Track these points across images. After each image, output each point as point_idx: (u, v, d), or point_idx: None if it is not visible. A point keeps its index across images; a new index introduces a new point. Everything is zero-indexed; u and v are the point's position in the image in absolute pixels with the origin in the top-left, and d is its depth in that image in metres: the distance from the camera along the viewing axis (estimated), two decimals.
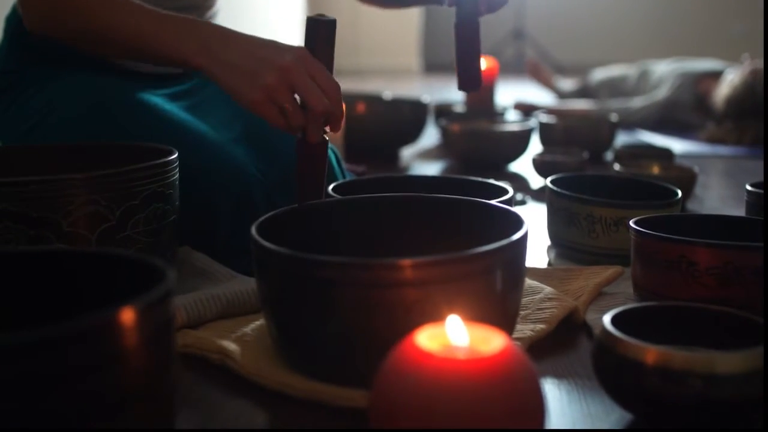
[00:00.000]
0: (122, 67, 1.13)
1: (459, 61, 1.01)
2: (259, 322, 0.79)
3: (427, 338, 0.52)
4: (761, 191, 0.98)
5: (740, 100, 2.27)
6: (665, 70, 2.73)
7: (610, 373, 0.62)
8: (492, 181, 1.03)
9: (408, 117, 2.04)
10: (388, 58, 5.79)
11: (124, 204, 0.79)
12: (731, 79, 2.36)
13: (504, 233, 0.69)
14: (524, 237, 0.69)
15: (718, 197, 1.62)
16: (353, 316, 0.63)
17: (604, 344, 0.62)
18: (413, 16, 5.82)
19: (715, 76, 2.54)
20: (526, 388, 0.50)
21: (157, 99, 1.08)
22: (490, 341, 0.52)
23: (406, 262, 0.61)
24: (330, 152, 1.12)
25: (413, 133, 2.06)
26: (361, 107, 1.95)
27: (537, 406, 0.51)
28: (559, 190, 1.04)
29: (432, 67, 5.96)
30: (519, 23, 5.81)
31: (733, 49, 4.83)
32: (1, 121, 1.12)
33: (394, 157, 2.05)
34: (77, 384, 0.44)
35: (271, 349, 0.73)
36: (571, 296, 0.88)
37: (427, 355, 0.50)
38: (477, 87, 1.01)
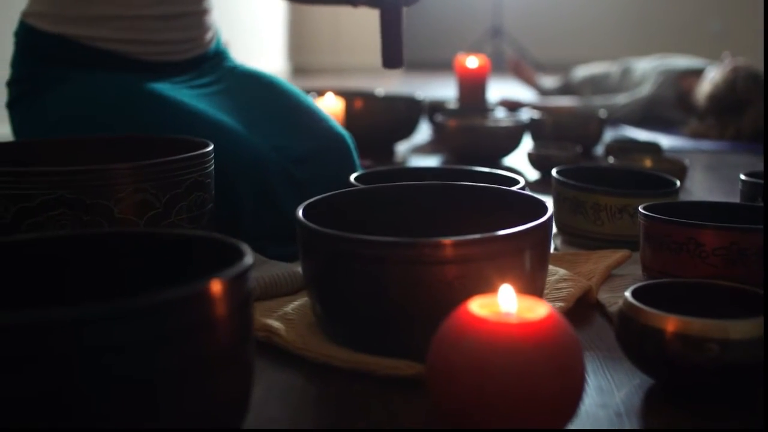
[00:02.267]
0: (130, 59, 1.17)
1: (383, 43, 1.15)
2: (298, 302, 0.85)
3: (479, 306, 0.58)
4: (756, 180, 1.05)
5: (722, 96, 2.36)
6: (648, 67, 2.81)
7: (634, 341, 0.68)
8: (502, 172, 1.08)
9: (403, 113, 2.09)
10: (369, 56, 5.81)
11: (169, 192, 0.84)
12: (713, 76, 2.44)
13: (528, 217, 0.74)
14: (550, 219, 0.75)
15: (705, 189, 1.69)
16: (398, 291, 0.68)
17: (627, 315, 0.69)
18: None
19: (697, 73, 2.62)
20: (569, 350, 0.56)
21: (171, 91, 1.13)
22: (535, 309, 0.58)
23: (448, 240, 0.67)
24: (350, 141, 1.18)
25: (408, 128, 2.12)
26: (358, 103, 2.01)
27: (579, 364, 0.57)
28: (566, 180, 1.11)
29: (413, 64, 6.01)
30: (497, 21, 5.89)
31: (710, 46, 4.94)
32: (22, 124, 1.18)
33: (389, 153, 2.11)
34: (178, 346, 0.49)
35: (314, 326, 0.78)
36: (583, 278, 0.94)
37: (481, 321, 0.55)
38: (398, 65, 1.16)
